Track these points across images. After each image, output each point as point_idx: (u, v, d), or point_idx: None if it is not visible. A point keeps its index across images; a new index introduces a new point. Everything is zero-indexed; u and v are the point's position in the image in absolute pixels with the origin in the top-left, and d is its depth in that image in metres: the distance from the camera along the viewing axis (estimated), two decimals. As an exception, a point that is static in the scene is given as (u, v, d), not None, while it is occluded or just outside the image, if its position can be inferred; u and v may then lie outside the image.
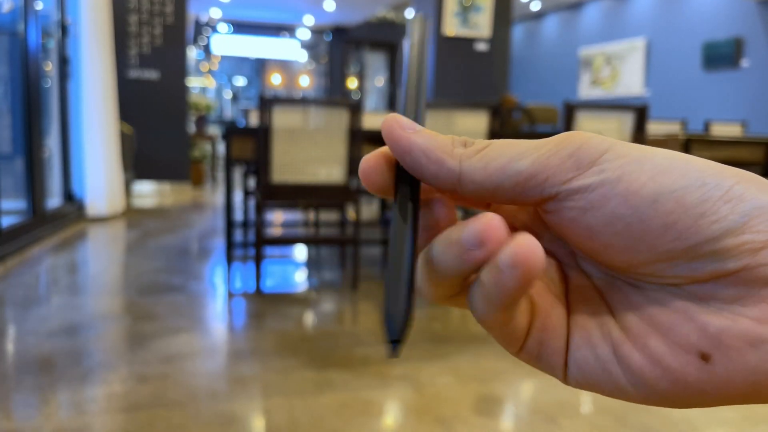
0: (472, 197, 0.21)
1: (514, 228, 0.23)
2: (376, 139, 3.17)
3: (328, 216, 4.10)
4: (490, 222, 0.18)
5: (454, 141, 0.21)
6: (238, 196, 4.56)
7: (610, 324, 0.20)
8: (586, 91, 10.03)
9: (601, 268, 0.21)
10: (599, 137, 0.19)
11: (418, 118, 0.22)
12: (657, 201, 0.18)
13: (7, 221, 3.35)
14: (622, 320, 0.20)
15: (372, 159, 0.21)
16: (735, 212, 0.17)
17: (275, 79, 14.81)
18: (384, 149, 0.21)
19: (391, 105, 13.09)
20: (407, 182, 0.21)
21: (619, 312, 0.20)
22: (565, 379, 0.21)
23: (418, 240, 0.20)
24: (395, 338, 0.18)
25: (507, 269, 0.17)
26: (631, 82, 9.03)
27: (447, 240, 0.19)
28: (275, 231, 4.19)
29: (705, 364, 0.18)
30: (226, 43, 13.39)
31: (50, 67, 4.35)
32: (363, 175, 0.21)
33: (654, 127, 4.27)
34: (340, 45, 12.50)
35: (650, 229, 0.18)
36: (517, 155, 0.19)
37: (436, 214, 0.21)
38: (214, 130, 9.36)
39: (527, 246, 0.17)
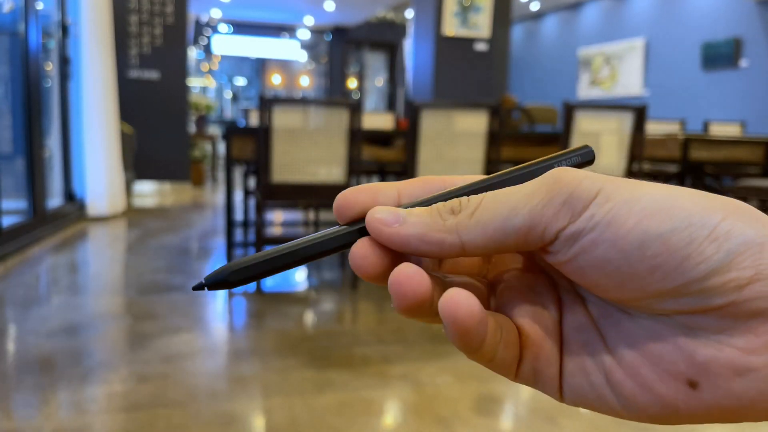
0: (476, 256, 0.22)
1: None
2: (375, 139, 3.18)
3: (328, 216, 4.10)
4: (396, 277, 0.20)
5: (441, 212, 0.21)
6: (238, 196, 4.57)
7: (602, 353, 0.21)
8: (585, 91, 10.03)
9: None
10: (589, 179, 0.20)
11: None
12: (643, 245, 0.18)
13: (8, 221, 3.35)
14: (615, 349, 0.21)
15: (362, 250, 0.21)
16: (720, 251, 0.18)
17: (275, 79, 14.81)
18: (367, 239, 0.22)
19: (391, 105, 13.10)
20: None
21: (612, 340, 0.21)
22: (562, 400, 0.22)
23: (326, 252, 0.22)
24: (208, 281, 0.20)
25: (444, 320, 0.19)
26: (630, 82, 9.04)
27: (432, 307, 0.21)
28: (275, 230, 4.19)
29: (693, 390, 0.19)
30: (226, 43, 13.39)
31: (51, 67, 4.35)
32: (356, 268, 0.21)
33: (653, 127, 4.27)
34: (340, 45, 12.50)
35: (637, 272, 0.18)
36: (511, 211, 0.20)
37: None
38: (214, 130, 9.36)
39: (452, 301, 0.19)
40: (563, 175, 0.20)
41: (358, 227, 0.22)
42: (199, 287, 0.21)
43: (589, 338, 0.21)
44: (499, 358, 0.21)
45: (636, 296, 0.19)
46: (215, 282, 0.22)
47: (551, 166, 0.22)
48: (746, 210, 0.18)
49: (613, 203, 0.19)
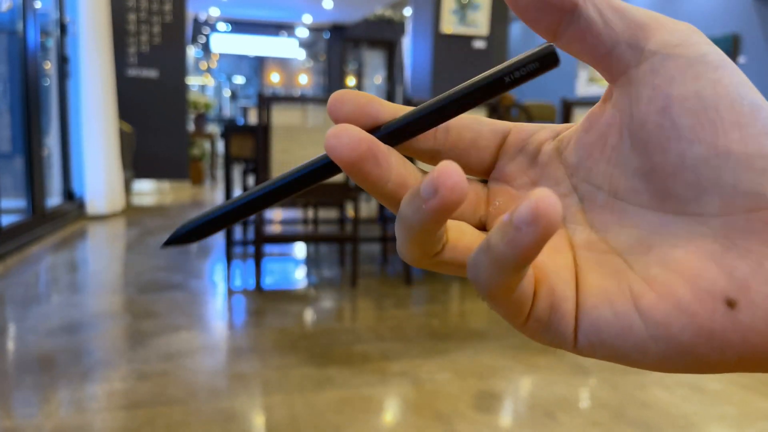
0: (583, 28, 0.19)
1: (519, 184, 0.23)
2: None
3: (327, 214, 4.10)
4: (445, 168, 0.17)
5: None
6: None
7: (630, 278, 0.19)
8: (583, 88, 10.03)
9: (616, 213, 0.21)
10: (705, 36, 0.20)
11: None
12: (735, 102, 0.18)
13: (7, 220, 3.35)
14: (645, 272, 0.19)
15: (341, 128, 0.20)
16: None
17: (274, 78, 14.80)
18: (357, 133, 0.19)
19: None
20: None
21: (639, 264, 0.19)
22: (575, 345, 0.20)
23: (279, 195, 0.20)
24: (174, 238, 0.20)
25: (525, 226, 0.16)
26: (629, 80, 9.03)
27: (410, 193, 0.18)
28: (275, 229, 4.19)
29: (731, 310, 0.17)
30: (225, 42, 13.37)
31: (49, 65, 4.35)
32: (331, 148, 0.19)
33: (652, 124, 4.27)
34: (338, 43, 12.49)
35: (720, 121, 0.18)
36: (632, 6, 0.20)
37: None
38: (213, 129, 9.36)
39: (548, 200, 0.16)
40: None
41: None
42: (167, 243, 0.21)
43: (616, 266, 0.20)
44: (521, 289, 0.19)
45: (700, 154, 0.18)
46: (174, 240, 0.22)
47: (501, 79, 0.20)
48: None
49: (725, 59, 0.19)
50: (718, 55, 0.19)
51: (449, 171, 0.16)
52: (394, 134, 0.20)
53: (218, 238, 3.87)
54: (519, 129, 0.24)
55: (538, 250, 0.17)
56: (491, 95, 0.20)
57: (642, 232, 0.20)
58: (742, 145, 0.18)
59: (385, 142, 0.20)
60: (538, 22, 0.20)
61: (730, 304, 0.17)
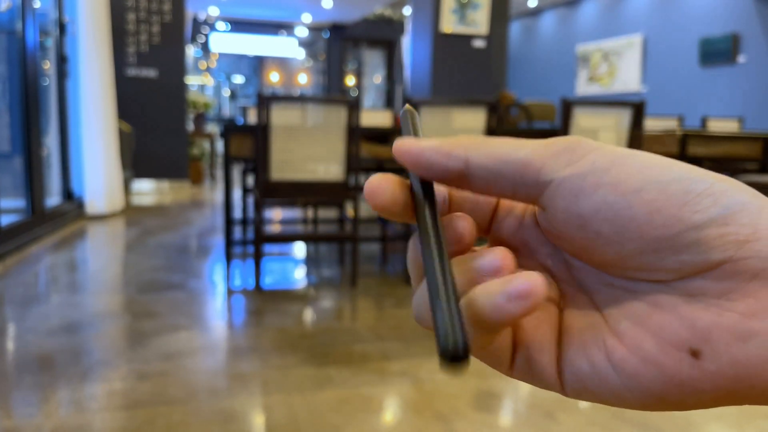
0: (479, 184, 0.22)
1: (514, 244, 0.24)
2: (373, 136, 3.18)
3: (327, 213, 4.11)
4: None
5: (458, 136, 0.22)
6: (237, 194, 4.57)
7: (604, 332, 0.21)
8: (583, 87, 10.03)
9: (594, 273, 0.22)
10: (588, 139, 0.21)
11: None
12: (642, 190, 0.19)
13: (7, 220, 3.35)
14: (616, 327, 0.20)
15: (380, 178, 0.22)
16: (717, 205, 0.18)
17: (273, 77, 14.79)
18: (390, 175, 0.22)
19: (389, 102, 13.09)
20: (424, 203, 0.22)
21: (613, 319, 0.21)
22: (564, 391, 0.21)
23: (447, 252, 0.20)
24: (457, 354, 0.17)
25: (515, 299, 0.18)
26: (628, 79, 9.03)
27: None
28: (274, 228, 4.19)
29: (696, 360, 0.18)
30: (224, 41, 13.37)
31: (48, 65, 4.34)
32: (370, 193, 0.22)
33: (651, 123, 4.27)
34: (338, 42, 12.49)
35: (636, 216, 0.19)
36: (516, 147, 0.21)
37: (458, 229, 0.22)
38: (212, 128, 9.35)
39: (539, 281, 0.18)
40: (568, 136, 0.21)
41: (424, 199, 0.23)
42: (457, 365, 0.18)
43: (591, 321, 0.21)
44: (496, 344, 0.21)
45: (635, 248, 0.19)
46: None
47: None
48: (735, 181, 0.19)
49: (613, 155, 0.20)
50: (604, 155, 0.20)
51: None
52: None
53: (217, 238, 3.87)
54: None
55: (519, 320, 0.19)
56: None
57: (611, 288, 0.21)
58: (665, 230, 0.18)
59: None
60: (438, 179, 0.22)
61: (694, 354, 0.18)
